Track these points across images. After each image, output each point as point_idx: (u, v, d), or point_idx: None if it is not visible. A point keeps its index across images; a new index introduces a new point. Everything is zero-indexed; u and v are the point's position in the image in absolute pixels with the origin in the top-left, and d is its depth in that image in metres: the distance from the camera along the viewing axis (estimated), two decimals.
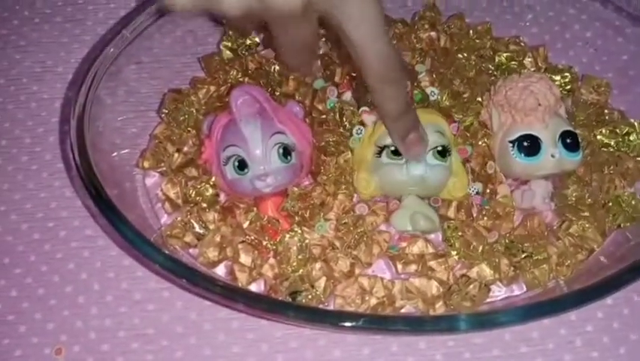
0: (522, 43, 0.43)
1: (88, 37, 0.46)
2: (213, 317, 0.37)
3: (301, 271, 0.35)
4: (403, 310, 0.35)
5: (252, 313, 0.35)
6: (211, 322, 0.37)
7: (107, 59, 0.38)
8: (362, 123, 0.38)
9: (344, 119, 0.39)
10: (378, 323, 0.31)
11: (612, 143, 0.39)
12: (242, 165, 0.36)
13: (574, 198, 0.37)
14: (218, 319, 0.37)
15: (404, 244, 0.36)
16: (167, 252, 0.33)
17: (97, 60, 0.38)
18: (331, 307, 0.34)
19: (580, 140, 0.37)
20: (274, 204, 0.37)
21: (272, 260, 0.35)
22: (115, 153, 0.39)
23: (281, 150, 0.36)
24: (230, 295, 0.31)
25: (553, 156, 0.36)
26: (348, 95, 0.40)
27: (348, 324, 0.31)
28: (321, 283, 0.34)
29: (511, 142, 0.37)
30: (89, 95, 0.37)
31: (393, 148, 0.36)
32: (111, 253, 0.39)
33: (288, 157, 0.36)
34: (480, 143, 0.38)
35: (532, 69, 0.42)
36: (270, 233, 0.36)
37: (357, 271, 0.35)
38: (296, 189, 0.37)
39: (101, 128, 0.37)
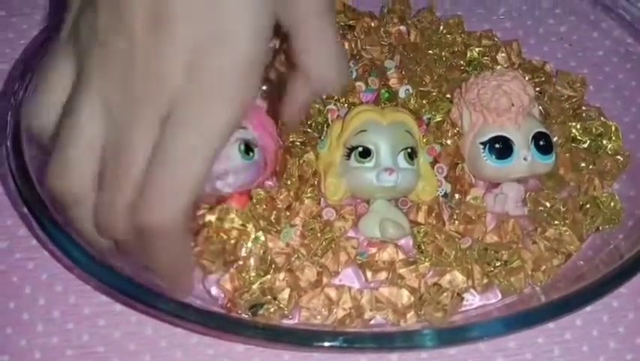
0: (495, 38, 0.41)
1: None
2: (170, 332, 0.34)
3: (263, 281, 0.32)
4: (372, 322, 0.32)
5: (206, 333, 0.33)
6: (167, 338, 0.34)
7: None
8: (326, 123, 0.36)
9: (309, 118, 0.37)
10: (346, 341, 0.29)
11: (585, 140, 0.38)
12: None
13: (548, 204, 0.35)
14: (176, 334, 0.34)
15: (373, 250, 0.34)
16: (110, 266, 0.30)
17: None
18: (296, 320, 0.32)
19: (555, 138, 0.36)
20: (238, 206, 0.34)
21: (231, 270, 0.33)
22: None
23: (242, 147, 0.33)
24: (181, 313, 0.29)
25: (525, 158, 0.35)
26: None
27: (317, 344, 0.28)
28: (285, 294, 0.32)
29: (482, 143, 0.35)
30: (28, 89, 0.34)
31: (361, 150, 0.34)
32: (58, 264, 0.36)
33: (250, 154, 0.33)
34: (449, 142, 0.36)
35: (506, 65, 0.40)
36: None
37: (324, 280, 0.33)
38: (261, 191, 0.34)
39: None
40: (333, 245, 0.33)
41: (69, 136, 0.26)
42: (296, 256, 0.33)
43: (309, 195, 0.34)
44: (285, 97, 0.32)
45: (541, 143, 0.35)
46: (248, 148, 0.33)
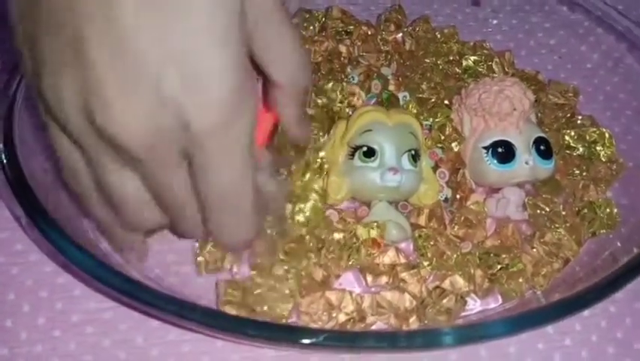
0: (488, 48, 0.42)
1: None
2: (162, 340, 0.33)
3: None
4: (374, 327, 0.32)
5: (205, 333, 0.32)
6: (159, 346, 0.33)
7: None
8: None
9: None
10: (349, 340, 0.28)
11: (579, 147, 0.38)
12: None
13: (547, 209, 0.36)
14: (168, 342, 0.33)
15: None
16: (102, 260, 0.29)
17: None
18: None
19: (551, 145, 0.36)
20: None
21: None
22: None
23: None
24: (181, 311, 0.28)
25: (527, 163, 0.35)
26: None
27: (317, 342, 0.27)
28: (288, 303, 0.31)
29: (484, 148, 0.35)
30: (18, 90, 0.33)
31: (365, 149, 0.33)
32: (45, 269, 0.34)
33: None
34: (453, 145, 0.36)
35: (501, 74, 0.40)
36: None
37: (329, 282, 0.32)
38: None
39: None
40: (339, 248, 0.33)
41: (117, 194, 0.26)
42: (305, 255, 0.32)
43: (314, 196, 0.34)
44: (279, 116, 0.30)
45: (541, 148, 0.35)
46: None
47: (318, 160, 0.34)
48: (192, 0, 0.21)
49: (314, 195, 0.33)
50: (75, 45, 0.22)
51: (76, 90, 0.22)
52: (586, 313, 0.34)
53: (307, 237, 0.33)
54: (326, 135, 0.35)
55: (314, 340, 0.27)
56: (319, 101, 0.36)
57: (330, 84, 0.36)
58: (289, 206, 0.33)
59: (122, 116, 0.22)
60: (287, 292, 0.31)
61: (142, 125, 0.22)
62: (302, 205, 0.33)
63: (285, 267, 0.32)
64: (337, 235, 0.32)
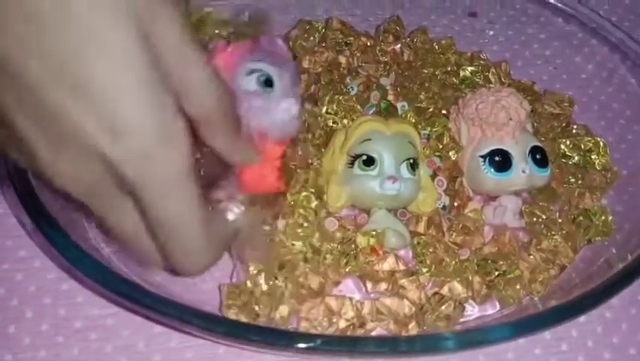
0: (484, 60, 0.43)
1: None
2: (164, 346, 0.33)
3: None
4: (374, 333, 0.32)
5: (207, 339, 0.32)
6: (161, 352, 0.33)
7: None
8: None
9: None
10: (350, 345, 0.28)
11: (574, 155, 0.39)
12: (268, 83, 0.31)
13: (543, 216, 0.36)
14: (170, 348, 0.33)
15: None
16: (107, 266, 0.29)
17: None
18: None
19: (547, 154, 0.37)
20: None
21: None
22: None
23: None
24: (184, 317, 0.28)
25: (524, 171, 0.35)
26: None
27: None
28: (286, 308, 0.32)
29: (482, 157, 0.36)
30: None
31: (365, 158, 0.34)
32: (48, 275, 0.35)
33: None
34: (451, 154, 0.37)
35: (498, 84, 0.41)
36: None
37: (326, 290, 0.33)
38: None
39: None
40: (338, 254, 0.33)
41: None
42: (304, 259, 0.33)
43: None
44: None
45: (537, 156, 0.36)
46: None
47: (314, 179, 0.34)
48: (104, 42, 0.21)
49: (304, 210, 0.33)
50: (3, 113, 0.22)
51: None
52: (582, 319, 0.35)
53: (300, 245, 0.33)
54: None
55: (312, 344, 0.27)
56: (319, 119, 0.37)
57: (327, 98, 0.37)
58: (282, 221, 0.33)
59: (55, 170, 0.23)
60: (286, 294, 0.31)
61: (74, 176, 0.23)
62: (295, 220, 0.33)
63: (281, 277, 0.32)
64: (332, 245, 0.33)
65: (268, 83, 0.31)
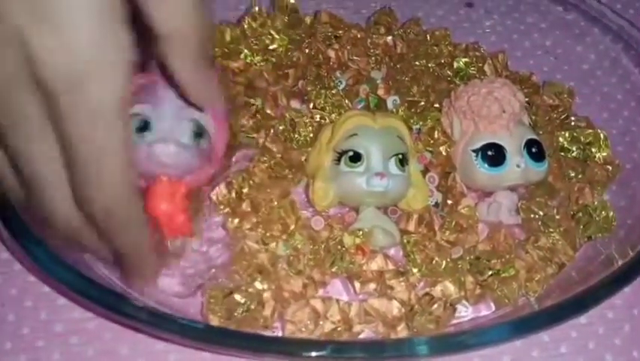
0: (481, 50, 0.41)
1: None
2: (147, 350, 0.32)
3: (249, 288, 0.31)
4: (361, 336, 0.31)
5: (190, 346, 0.31)
6: (145, 356, 0.32)
7: None
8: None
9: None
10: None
11: (574, 149, 0.38)
12: (144, 127, 0.31)
13: (541, 213, 0.35)
14: (153, 353, 0.32)
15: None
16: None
17: None
18: (279, 334, 0.31)
19: (544, 147, 0.35)
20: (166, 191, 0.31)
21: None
22: None
23: (194, 127, 0.31)
24: (160, 323, 0.27)
25: (518, 165, 0.34)
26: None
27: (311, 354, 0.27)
28: (269, 308, 0.30)
29: (474, 151, 0.35)
30: None
31: (351, 154, 0.33)
32: (29, 278, 0.34)
33: (199, 139, 0.31)
34: (441, 149, 0.35)
35: (493, 76, 0.40)
36: None
37: (309, 292, 0.31)
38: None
39: None
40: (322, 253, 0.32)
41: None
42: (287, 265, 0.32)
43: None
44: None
45: (533, 150, 0.34)
46: (199, 133, 0.31)
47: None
48: None
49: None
50: None
51: None
52: (582, 319, 0.33)
53: (282, 247, 0.32)
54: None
55: (292, 350, 0.26)
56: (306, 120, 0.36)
57: (314, 93, 0.36)
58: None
59: None
60: (267, 298, 0.30)
61: None
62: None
63: (260, 281, 0.31)
64: (315, 247, 0.32)
65: (145, 127, 0.31)
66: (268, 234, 0.32)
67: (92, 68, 0.20)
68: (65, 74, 0.20)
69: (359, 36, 0.41)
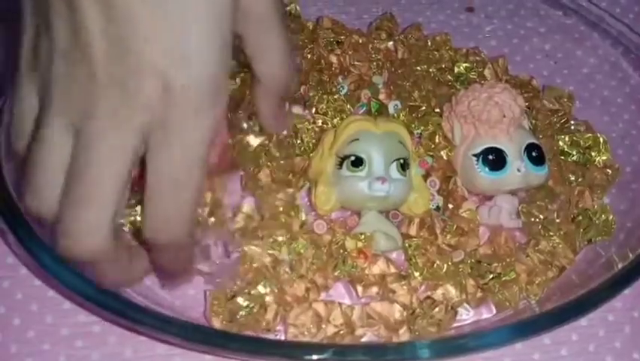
0: (482, 55, 0.42)
1: None
2: (151, 353, 0.33)
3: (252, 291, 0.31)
4: (363, 339, 0.31)
5: (192, 349, 0.32)
6: (148, 359, 0.32)
7: None
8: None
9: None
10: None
11: (574, 153, 0.38)
12: None
13: (541, 216, 0.35)
14: (157, 355, 0.32)
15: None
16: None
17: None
18: (282, 337, 0.31)
19: (545, 152, 0.36)
20: None
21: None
22: None
23: None
24: (163, 326, 0.27)
25: (519, 170, 0.34)
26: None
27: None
28: (271, 312, 0.31)
29: (475, 155, 0.35)
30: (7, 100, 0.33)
31: (353, 159, 0.33)
32: (35, 283, 0.34)
33: None
34: (442, 153, 0.36)
35: (493, 80, 0.40)
36: None
37: (312, 295, 0.32)
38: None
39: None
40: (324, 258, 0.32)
41: (39, 159, 0.26)
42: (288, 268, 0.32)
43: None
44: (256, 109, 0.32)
45: (533, 154, 0.34)
46: None
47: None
48: None
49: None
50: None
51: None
52: (583, 322, 0.34)
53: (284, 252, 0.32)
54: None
55: (295, 353, 0.26)
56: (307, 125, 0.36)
57: (316, 98, 0.36)
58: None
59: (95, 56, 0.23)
60: (270, 301, 0.31)
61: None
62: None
63: (263, 285, 0.31)
64: (318, 251, 0.32)
65: None
66: (271, 239, 0.32)
67: (205, 101, 0.24)
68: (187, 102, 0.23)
69: (361, 41, 0.41)
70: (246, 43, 0.28)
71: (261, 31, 0.27)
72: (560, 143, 0.38)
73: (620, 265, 0.32)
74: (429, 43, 0.42)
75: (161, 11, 0.22)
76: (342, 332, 0.31)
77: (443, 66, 0.41)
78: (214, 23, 0.23)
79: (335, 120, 0.36)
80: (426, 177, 0.36)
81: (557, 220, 0.35)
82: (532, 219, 0.35)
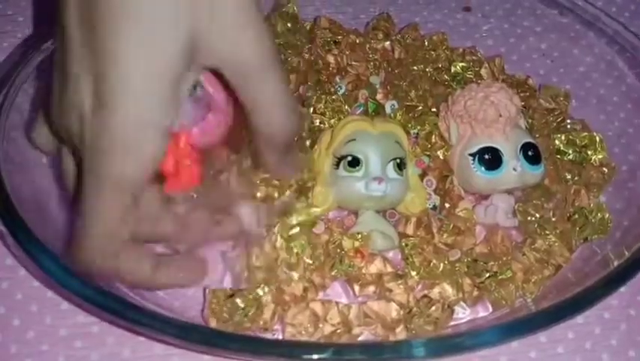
0: (478, 54, 0.42)
1: None
2: (149, 353, 0.33)
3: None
4: (360, 338, 0.31)
5: (190, 349, 0.32)
6: (146, 359, 0.33)
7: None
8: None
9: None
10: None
11: (570, 151, 0.38)
12: None
13: (537, 215, 0.35)
14: (155, 356, 0.33)
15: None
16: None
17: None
18: (279, 337, 0.31)
19: (540, 150, 0.36)
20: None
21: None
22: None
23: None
24: (161, 326, 0.28)
25: (515, 169, 0.34)
26: None
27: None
28: (268, 311, 0.31)
29: (471, 155, 0.35)
30: (5, 102, 0.33)
31: (350, 159, 0.33)
32: (34, 284, 0.34)
33: (193, 91, 0.29)
34: (439, 153, 0.36)
35: (489, 80, 0.40)
36: None
37: (309, 295, 0.32)
38: None
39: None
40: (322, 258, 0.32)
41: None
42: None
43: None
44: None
45: (529, 153, 0.35)
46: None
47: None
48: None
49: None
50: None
51: None
52: (579, 320, 0.34)
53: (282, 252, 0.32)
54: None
55: (292, 353, 0.27)
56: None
57: (314, 98, 0.36)
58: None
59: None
60: (268, 301, 0.31)
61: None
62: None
63: (262, 286, 0.31)
64: (316, 252, 0.32)
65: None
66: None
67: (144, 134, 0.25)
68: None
69: (358, 41, 0.41)
70: (242, 97, 0.26)
71: (255, 84, 0.26)
72: (556, 142, 0.38)
73: (615, 263, 0.32)
74: (426, 43, 0.42)
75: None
76: (339, 331, 0.31)
77: (440, 66, 0.41)
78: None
79: (332, 120, 0.36)
80: (422, 176, 0.36)
81: (553, 219, 0.35)
82: (529, 218, 0.35)
